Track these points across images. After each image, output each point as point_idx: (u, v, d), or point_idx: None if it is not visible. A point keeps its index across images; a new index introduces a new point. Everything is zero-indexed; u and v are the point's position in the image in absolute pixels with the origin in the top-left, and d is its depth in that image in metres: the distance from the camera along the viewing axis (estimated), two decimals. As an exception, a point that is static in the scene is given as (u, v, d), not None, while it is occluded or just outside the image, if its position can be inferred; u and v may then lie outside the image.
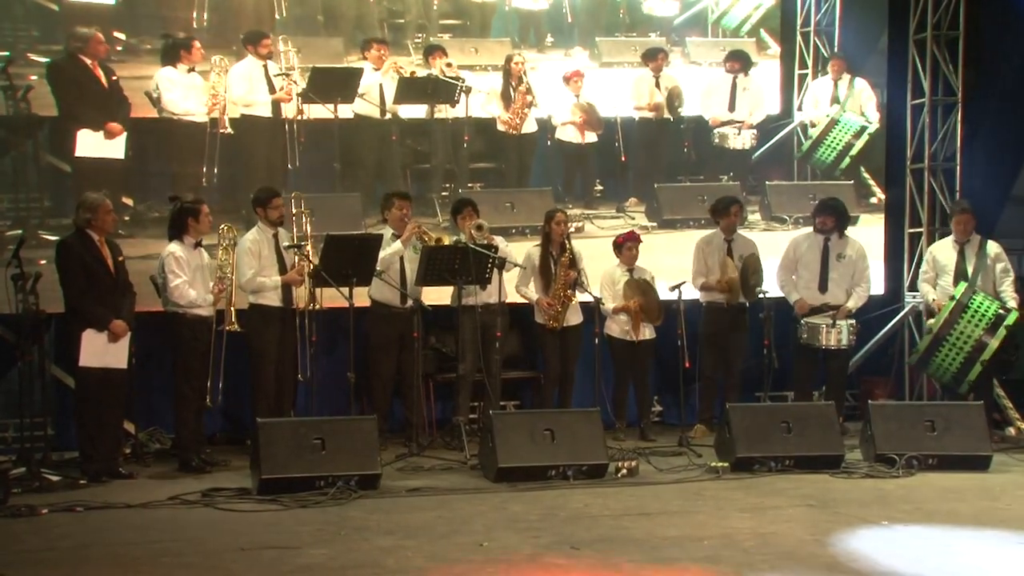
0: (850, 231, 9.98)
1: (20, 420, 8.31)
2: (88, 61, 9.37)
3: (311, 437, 7.53)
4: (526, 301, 9.54)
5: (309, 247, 8.78)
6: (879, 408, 8.65)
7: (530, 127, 10.63)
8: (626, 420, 9.79)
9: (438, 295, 9.26)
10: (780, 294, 9.76)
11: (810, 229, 9.92)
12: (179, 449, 8.46)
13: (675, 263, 9.98)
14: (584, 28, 11.14)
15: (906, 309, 10.77)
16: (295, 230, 8.90)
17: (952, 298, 9.54)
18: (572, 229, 9.79)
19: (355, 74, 10.08)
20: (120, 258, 8.09)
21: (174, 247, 8.27)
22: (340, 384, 8.71)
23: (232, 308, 8.43)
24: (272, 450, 7.44)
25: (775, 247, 10.08)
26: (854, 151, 11.17)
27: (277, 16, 10.14)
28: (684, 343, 9.31)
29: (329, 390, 8.96)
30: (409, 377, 9.01)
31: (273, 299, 8.68)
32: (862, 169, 11.37)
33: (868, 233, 10.85)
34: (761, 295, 9.45)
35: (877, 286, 10.74)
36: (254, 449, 7.56)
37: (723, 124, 11.14)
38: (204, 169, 9.72)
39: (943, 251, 9.89)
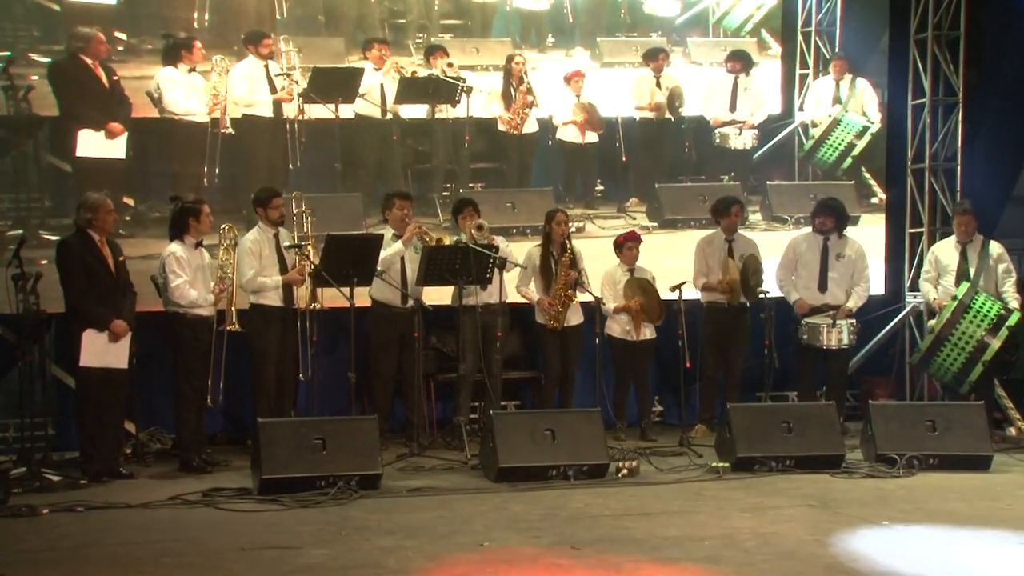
0: (851, 231, 9.98)
1: (21, 420, 8.32)
2: (89, 61, 9.38)
3: (312, 437, 7.53)
4: (527, 301, 9.54)
5: (310, 247, 8.79)
6: (880, 408, 8.65)
7: (531, 127, 10.63)
8: (627, 420, 9.79)
9: (439, 295, 9.26)
10: (781, 294, 9.76)
11: (809, 229, 9.92)
12: (180, 449, 8.46)
13: (676, 263, 9.98)
14: (585, 28, 11.14)
15: (907, 309, 10.77)
16: (296, 230, 8.90)
17: (954, 298, 9.54)
18: (573, 229, 9.80)
19: (356, 74, 10.09)
20: (121, 258, 8.09)
21: (175, 247, 8.27)
22: (341, 384, 8.72)
23: (233, 308, 8.44)
24: (273, 450, 7.44)
25: (776, 247, 10.08)
26: (856, 151, 11.18)
27: (278, 16, 10.15)
28: (685, 343, 9.30)
29: (330, 390, 8.94)
30: (410, 377, 9.01)
31: (274, 299, 8.68)
32: (863, 169, 11.37)
33: (869, 233, 10.85)
34: (762, 295, 9.45)
35: (878, 286, 10.75)
36: (255, 449, 7.56)
37: (724, 124, 11.15)
38: (205, 169, 9.72)
39: (945, 251, 9.88)
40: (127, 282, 8.13)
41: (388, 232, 9.08)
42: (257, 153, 9.97)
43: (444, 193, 10.45)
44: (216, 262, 8.48)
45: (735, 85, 11.12)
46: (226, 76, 9.78)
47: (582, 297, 9.43)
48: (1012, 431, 9.84)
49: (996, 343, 9.37)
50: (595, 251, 9.92)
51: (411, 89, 10.18)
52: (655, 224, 10.83)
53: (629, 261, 9.62)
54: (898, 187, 11.22)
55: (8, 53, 9.37)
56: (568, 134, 10.77)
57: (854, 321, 9.63)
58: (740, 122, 11.12)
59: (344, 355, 8.75)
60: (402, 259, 9.07)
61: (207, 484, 7.68)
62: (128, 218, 9.50)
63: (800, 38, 11.40)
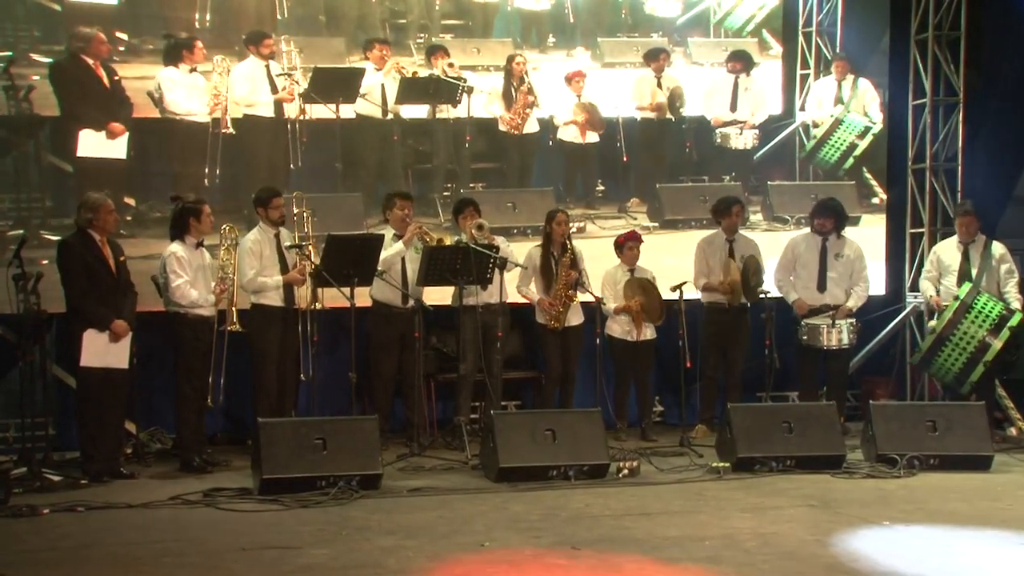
0: (852, 231, 9.99)
1: (21, 420, 8.33)
2: (90, 61, 9.39)
3: (312, 437, 7.53)
4: (527, 301, 9.54)
5: (311, 247, 8.79)
6: (880, 408, 8.65)
7: (532, 127, 10.64)
8: (627, 420, 9.79)
9: (439, 295, 9.26)
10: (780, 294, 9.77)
11: (808, 229, 9.92)
12: (180, 449, 8.46)
13: (677, 263, 9.98)
14: (586, 28, 11.14)
15: (907, 309, 10.76)
16: (297, 230, 8.91)
17: (956, 298, 9.54)
18: (574, 229, 9.80)
19: (357, 74, 10.09)
20: (122, 258, 8.09)
21: (175, 247, 8.27)
22: (341, 384, 8.72)
23: (234, 308, 8.44)
24: (273, 450, 7.44)
25: (777, 247, 10.07)
26: (858, 151, 11.19)
27: (279, 16, 10.15)
28: (685, 343, 9.30)
29: (330, 390, 8.95)
30: (410, 377, 9.01)
31: (275, 299, 8.68)
32: (864, 169, 11.37)
33: (870, 233, 10.86)
34: (763, 295, 9.45)
35: (879, 286, 10.76)
36: (255, 449, 7.56)
37: (725, 124, 11.15)
38: (206, 169, 9.73)
39: (947, 251, 9.89)
40: (128, 282, 8.13)
41: (389, 232, 9.08)
42: (258, 153, 9.97)
43: (445, 193, 10.45)
44: (217, 262, 8.48)
45: (735, 85, 11.12)
46: (227, 76, 9.79)
47: (582, 297, 9.43)
48: (1013, 431, 9.83)
49: (998, 343, 9.37)
50: (596, 251, 9.92)
51: (412, 89, 10.18)
52: (656, 224, 10.83)
53: (630, 261, 9.62)
54: (899, 187, 11.22)
55: (9, 53, 9.38)
56: (569, 134, 10.77)
57: (854, 321, 9.63)
58: (741, 122, 11.13)
59: (345, 355, 8.76)
60: (403, 259, 9.07)
61: (208, 484, 7.68)
62: (129, 218, 9.51)
63: (801, 38, 11.40)
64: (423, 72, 10.30)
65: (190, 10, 9.91)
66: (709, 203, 10.15)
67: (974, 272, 9.64)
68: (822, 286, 9.67)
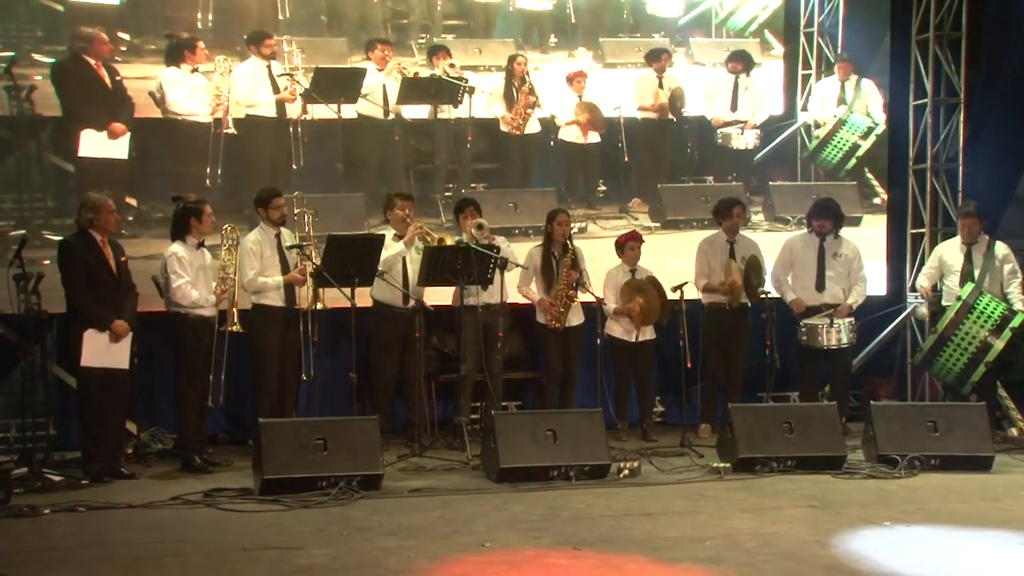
0: (853, 232, 9.99)
1: (22, 420, 8.35)
2: (92, 61, 9.40)
3: (313, 437, 7.52)
4: (528, 301, 9.55)
5: (311, 247, 8.79)
6: (881, 409, 8.65)
7: (533, 127, 10.64)
8: (628, 420, 9.80)
9: (440, 295, 9.26)
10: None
11: (805, 230, 9.92)
12: (181, 449, 8.47)
13: (678, 264, 9.98)
14: (588, 29, 11.15)
15: (908, 310, 10.76)
16: (297, 230, 8.91)
17: (958, 298, 9.54)
18: (575, 229, 9.80)
19: (358, 74, 10.09)
20: (122, 258, 8.09)
21: (176, 247, 8.28)
22: (342, 384, 8.72)
23: (234, 308, 8.44)
24: (274, 450, 7.44)
25: (778, 248, 10.06)
26: (860, 152, 11.19)
27: (281, 16, 10.16)
28: (686, 343, 9.30)
29: (331, 390, 8.95)
30: (411, 377, 9.02)
31: (275, 299, 8.68)
32: (866, 170, 11.38)
33: (871, 234, 10.87)
34: (764, 296, 9.45)
35: (880, 287, 10.76)
36: (256, 449, 7.56)
37: (726, 124, 11.15)
38: (207, 169, 9.74)
39: (950, 251, 9.89)
40: (129, 282, 8.13)
41: (389, 232, 9.08)
42: (259, 153, 9.98)
43: (446, 193, 10.46)
44: (218, 262, 8.49)
45: (736, 85, 11.13)
46: (229, 76, 9.80)
47: (583, 297, 9.44)
48: (1014, 431, 9.83)
49: (999, 344, 9.37)
50: (597, 251, 9.92)
51: (413, 89, 10.19)
52: (657, 224, 10.84)
53: (631, 261, 9.62)
54: (900, 187, 11.22)
55: (11, 53, 9.39)
56: (570, 134, 10.77)
57: (852, 320, 9.62)
58: (742, 122, 11.13)
59: (345, 355, 8.76)
60: (403, 259, 9.07)
61: (208, 484, 7.68)
62: (130, 218, 9.52)
63: (802, 39, 11.40)
64: (424, 72, 10.31)
65: (192, 10, 9.92)
66: (710, 203, 10.16)
67: (976, 273, 9.64)
68: (821, 286, 9.68)
